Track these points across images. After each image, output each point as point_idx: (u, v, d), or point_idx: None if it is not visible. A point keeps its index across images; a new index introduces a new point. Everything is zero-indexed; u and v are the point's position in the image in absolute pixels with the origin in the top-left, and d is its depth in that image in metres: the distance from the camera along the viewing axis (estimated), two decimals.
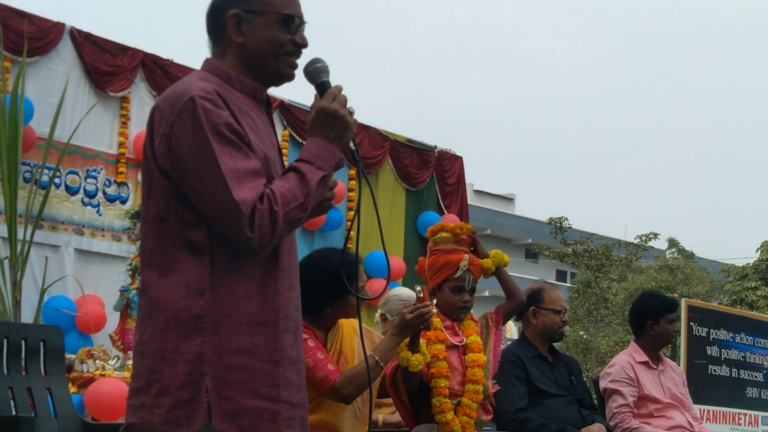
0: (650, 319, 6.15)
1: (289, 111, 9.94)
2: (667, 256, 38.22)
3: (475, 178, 50.89)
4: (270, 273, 2.62)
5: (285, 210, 2.53)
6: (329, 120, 2.68)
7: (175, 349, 2.52)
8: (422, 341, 4.27)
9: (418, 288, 4.35)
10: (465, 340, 4.51)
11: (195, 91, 2.57)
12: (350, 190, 10.57)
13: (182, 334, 2.52)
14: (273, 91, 2.92)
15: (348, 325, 4.62)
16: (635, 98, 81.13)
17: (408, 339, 4.20)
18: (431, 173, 11.69)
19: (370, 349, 4.45)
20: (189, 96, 2.55)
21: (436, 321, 4.49)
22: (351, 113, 2.72)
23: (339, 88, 2.73)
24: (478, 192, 45.51)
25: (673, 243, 41.52)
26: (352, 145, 2.75)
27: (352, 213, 10.52)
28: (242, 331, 2.56)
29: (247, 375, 2.55)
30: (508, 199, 49.32)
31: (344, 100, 2.71)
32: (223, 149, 2.51)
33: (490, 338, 4.64)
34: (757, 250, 29.49)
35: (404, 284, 9.16)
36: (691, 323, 10.36)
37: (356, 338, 4.57)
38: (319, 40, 2.84)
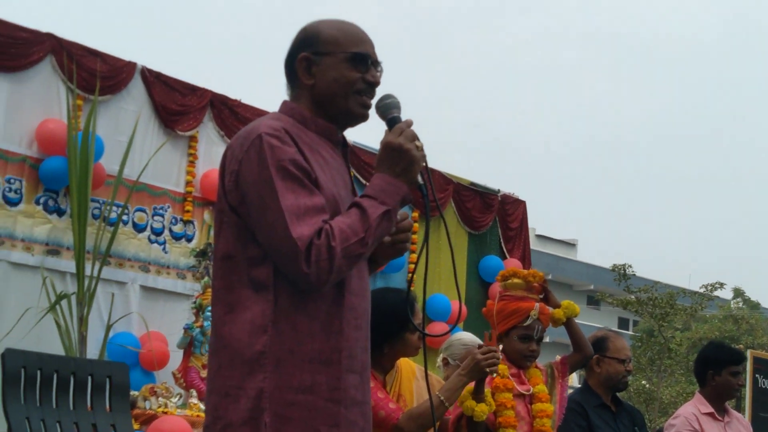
0: (712, 369, 6.05)
1: (354, 153, 9.99)
2: (732, 305, 37.61)
3: (537, 222, 50.74)
4: (335, 312, 2.62)
5: (344, 246, 2.53)
6: (395, 154, 2.67)
7: (239, 386, 2.54)
8: (487, 390, 4.24)
9: (486, 333, 4.33)
10: (532, 389, 4.47)
11: (264, 129, 2.61)
12: (413, 233, 10.58)
13: (245, 371, 2.54)
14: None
15: (407, 368, 4.59)
16: (700, 143, 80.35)
17: (473, 388, 4.17)
18: (494, 217, 11.67)
19: (432, 391, 4.42)
20: (258, 133, 2.60)
21: (503, 368, 4.45)
22: (419, 147, 2.69)
23: (408, 123, 2.72)
24: (540, 237, 45.29)
25: (738, 293, 40.85)
26: (420, 179, 2.73)
27: (414, 255, 10.52)
28: (304, 368, 2.56)
29: (307, 412, 2.55)
30: (571, 245, 49.00)
31: (411, 135, 2.69)
32: (285, 185, 2.54)
33: (556, 388, 4.59)
34: None
35: (465, 328, 9.12)
36: (756, 375, 10.19)
37: (415, 381, 4.54)
38: (387, 80, 2.85)
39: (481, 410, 4.15)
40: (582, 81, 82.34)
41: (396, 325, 4.11)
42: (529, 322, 4.49)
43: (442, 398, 4.07)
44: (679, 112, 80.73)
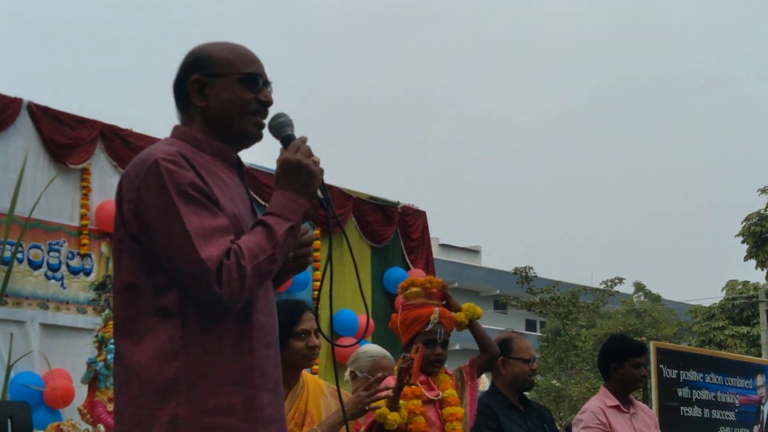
0: (614, 362, 6.17)
1: (250, 174, 9.96)
2: (634, 300, 38.41)
3: (440, 232, 51.07)
4: (244, 331, 2.62)
5: (253, 264, 2.53)
6: (293, 170, 2.69)
7: (151, 414, 2.52)
8: (402, 402, 4.28)
9: (416, 345, 4.41)
10: (441, 394, 4.52)
11: (159, 154, 2.59)
12: (315, 249, 10.58)
13: (157, 399, 2.52)
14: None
15: (314, 385, 4.59)
16: (596, 147, 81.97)
17: (391, 397, 4.22)
18: (395, 229, 11.74)
19: (338, 407, 4.44)
20: (153, 159, 2.58)
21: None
22: (316, 162, 2.72)
23: (303, 139, 2.74)
24: (444, 246, 45.65)
25: (639, 287, 41.76)
26: (320, 193, 2.75)
27: (318, 273, 10.52)
28: (218, 391, 2.55)
29: None
30: (474, 252, 49.50)
31: (308, 151, 2.72)
32: (188, 208, 2.53)
33: (466, 391, 4.65)
34: (722, 290, 29.74)
35: (374, 341, 9.14)
36: (660, 366, 10.41)
37: (323, 398, 4.54)
38: (281, 99, 2.87)
39: (393, 419, 4.20)
40: (478, 88, 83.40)
41: (280, 331, 4.12)
42: (430, 326, 4.55)
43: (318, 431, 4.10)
44: (575, 113, 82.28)
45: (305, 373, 4.66)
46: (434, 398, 4.50)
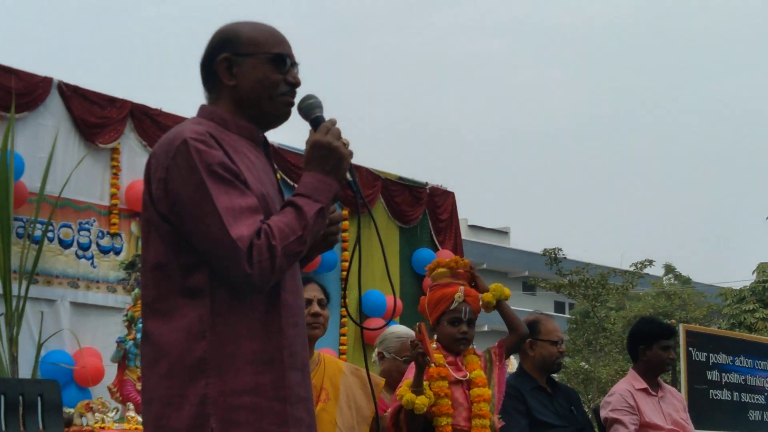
0: (643, 345, 6.14)
1: (279, 155, 9.97)
2: (664, 282, 38.22)
3: (469, 213, 51.02)
4: (272, 311, 2.62)
5: (283, 244, 2.53)
6: (324, 152, 2.69)
7: (181, 394, 2.53)
8: (426, 382, 4.27)
9: (417, 325, 4.36)
10: (469, 374, 4.50)
11: (188, 134, 2.59)
12: (343, 230, 10.59)
13: (186, 378, 2.53)
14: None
15: (332, 364, 4.63)
16: (626, 128, 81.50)
17: (411, 381, 4.22)
18: (423, 210, 11.72)
19: (359, 387, 4.47)
20: (182, 139, 2.58)
21: (439, 357, 4.49)
22: (346, 145, 2.72)
23: (333, 122, 2.74)
24: (472, 227, 45.58)
25: (669, 269, 41.52)
26: (349, 176, 2.75)
27: (347, 253, 10.52)
28: (247, 371, 2.56)
29: (254, 414, 2.54)
30: (503, 233, 49.39)
31: (338, 133, 2.72)
32: (218, 188, 2.53)
33: (494, 372, 4.61)
34: (753, 272, 29.50)
35: (402, 322, 9.15)
36: (690, 348, 10.36)
37: (342, 377, 4.58)
38: (309, 79, 2.86)
39: (422, 402, 4.19)
40: (507, 70, 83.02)
41: None
42: (455, 305, 4.54)
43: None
44: (603, 96, 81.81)
45: (323, 353, 4.70)
46: (462, 378, 4.49)
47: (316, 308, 4.51)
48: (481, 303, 4.65)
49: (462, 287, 4.58)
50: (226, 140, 2.66)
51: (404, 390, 4.24)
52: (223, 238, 2.49)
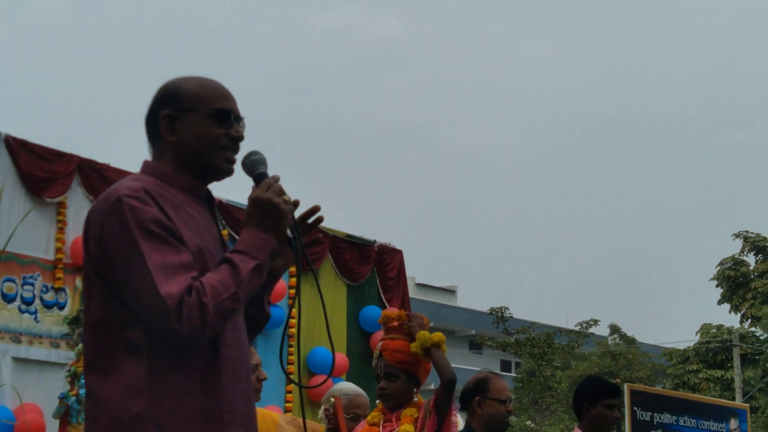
0: (587, 403, 6.16)
1: (227, 211, 9.96)
2: (609, 342, 38.45)
3: (416, 271, 51.05)
4: (212, 367, 2.61)
5: (215, 301, 2.52)
6: (263, 209, 2.69)
7: None
8: None
9: (332, 400, 4.38)
10: (397, 429, 4.47)
11: (123, 190, 2.59)
12: (291, 287, 10.57)
13: None
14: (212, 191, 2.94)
15: (266, 418, 4.61)
16: (573, 189, 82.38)
17: None
18: (371, 268, 11.75)
19: None
20: (117, 196, 2.58)
21: (375, 415, 4.49)
22: (287, 202, 2.72)
23: (275, 178, 2.74)
24: (420, 285, 45.63)
25: (614, 329, 41.77)
26: (289, 232, 2.76)
27: (295, 310, 10.49)
28: (185, 428, 2.54)
29: None
30: (450, 291, 49.50)
31: (279, 189, 2.72)
32: (150, 245, 2.53)
33: (427, 424, 4.55)
34: (696, 333, 29.83)
35: (349, 380, 9.13)
36: (634, 408, 10.43)
37: (277, 429, 4.56)
38: (256, 138, 2.87)
39: None
40: (455, 129, 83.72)
41: None
42: (374, 362, 4.55)
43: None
44: (552, 155, 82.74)
45: (258, 409, 4.68)
46: None
47: (263, 374, 4.51)
48: (401, 354, 4.58)
49: (381, 342, 4.57)
50: (165, 196, 2.66)
51: None
52: (152, 296, 2.49)
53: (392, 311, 4.73)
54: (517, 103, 79.82)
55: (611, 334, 40.79)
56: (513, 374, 35.57)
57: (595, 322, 23.38)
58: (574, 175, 78.24)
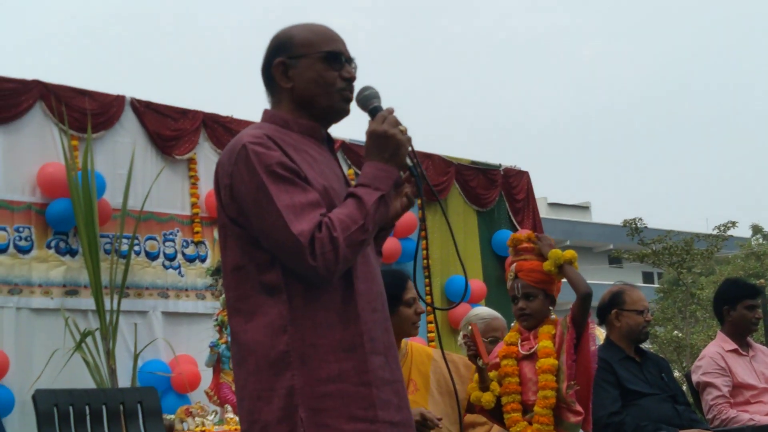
0: (727, 306, 6.11)
1: (351, 150, 10.06)
2: (752, 243, 37.51)
3: (548, 191, 50.64)
4: (348, 299, 2.71)
5: (345, 234, 2.62)
6: (381, 141, 2.77)
7: (269, 388, 2.63)
8: (492, 374, 4.31)
9: (469, 327, 4.42)
10: (536, 346, 4.48)
11: (246, 138, 2.71)
12: (420, 219, 10.64)
13: (273, 372, 2.63)
14: (334, 134, 3.03)
15: (419, 352, 4.67)
16: (702, 91, 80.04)
17: (478, 378, 4.27)
18: (499, 192, 11.72)
19: (455, 373, 4.51)
20: (241, 144, 2.70)
21: (513, 335, 4.53)
22: (403, 131, 2.79)
23: (390, 110, 2.82)
24: (552, 205, 45.26)
25: (757, 229, 40.72)
26: (408, 161, 2.82)
27: (424, 242, 10.56)
28: (330, 359, 2.65)
29: (341, 400, 2.63)
30: (584, 208, 48.95)
31: (394, 120, 2.79)
32: (278, 187, 2.63)
33: (565, 339, 4.54)
34: None
35: (487, 305, 9.19)
36: None
37: (432, 363, 4.62)
38: (375, 71, 2.94)
39: (488, 399, 4.25)
40: (573, 45, 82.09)
41: (390, 300, 4.22)
42: (509, 283, 4.56)
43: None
44: (678, 60, 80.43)
45: (411, 342, 4.76)
46: (528, 353, 4.48)
47: (421, 307, 4.60)
48: (537, 273, 4.57)
49: (514, 263, 4.57)
50: (287, 140, 2.75)
51: (472, 388, 4.30)
52: (285, 235, 2.59)
53: (521, 233, 4.74)
54: (635, 9, 77.67)
55: (753, 234, 39.80)
56: (656, 285, 35.12)
57: (733, 224, 22.79)
58: (700, 79, 76.00)
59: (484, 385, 4.26)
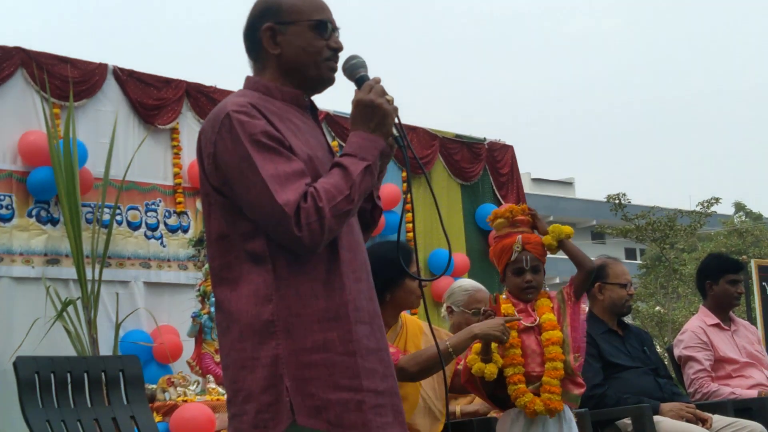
0: (710, 280, 6.12)
1: (335, 122, 10.03)
2: (735, 220, 37.71)
3: (532, 166, 50.77)
4: (333, 269, 2.70)
5: (330, 205, 2.60)
6: (368, 111, 2.75)
7: (253, 356, 2.62)
8: (494, 345, 4.28)
9: (491, 296, 4.42)
10: (539, 319, 4.49)
11: (230, 107, 2.68)
12: (404, 192, 10.62)
13: (257, 341, 2.62)
14: (317, 104, 3.00)
15: (413, 325, 4.67)
16: (686, 67, 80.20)
17: (480, 348, 4.25)
18: (483, 166, 11.71)
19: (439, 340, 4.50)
20: (225, 113, 2.67)
21: (508, 306, 4.50)
22: (390, 101, 2.76)
23: (376, 80, 2.80)
24: (536, 180, 45.35)
25: (740, 207, 40.97)
26: (395, 131, 2.80)
27: (409, 215, 10.56)
28: (314, 329, 2.64)
29: (326, 369, 2.62)
30: (568, 184, 49.08)
31: (381, 90, 2.77)
32: (263, 156, 2.61)
33: (567, 312, 4.56)
34: None
35: (470, 278, 9.18)
36: (763, 283, 10.29)
37: (423, 336, 4.62)
38: (359, 42, 2.91)
39: (491, 371, 4.23)
40: (559, 20, 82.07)
41: (395, 272, 4.21)
42: (515, 255, 4.52)
43: (449, 347, 4.16)
44: (662, 36, 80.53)
45: (405, 314, 4.75)
46: (531, 325, 4.48)
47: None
48: (542, 247, 4.60)
49: (520, 236, 4.56)
50: (270, 108, 2.73)
51: (473, 359, 4.27)
52: (270, 205, 2.57)
53: (511, 206, 4.73)
54: None
55: (736, 212, 40.02)
56: (639, 261, 35.28)
57: (716, 200, 22.91)
58: (685, 54, 76.10)
59: (486, 357, 4.24)
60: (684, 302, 24.13)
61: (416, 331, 4.68)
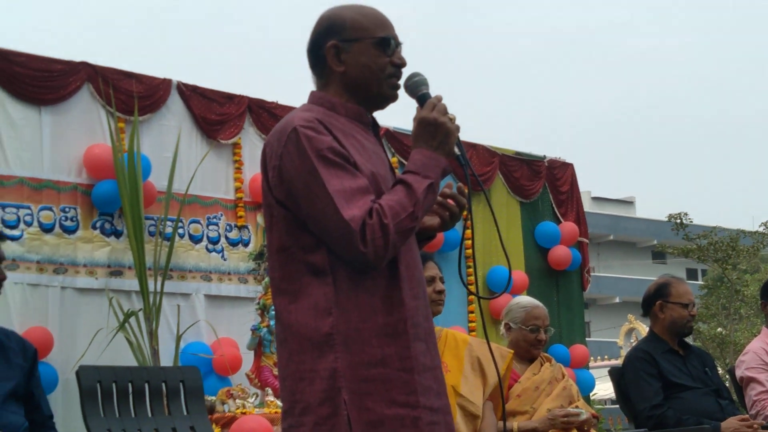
0: None
1: (395, 138, 10.04)
2: None
3: (592, 185, 50.42)
4: (393, 285, 2.70)
5: (395, 221, 2.61)
6: (430, 129, 2.76)
7: (312, 369, 2.63)
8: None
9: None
10: None
11: (297, 121, 2.70)
12: (466, 209, 10.57)
13: (316, 354, 2.63)
14: (378, 120, 3.02)
15: (454, 338, 4.71)
16: (749, 87, 79.22)
17: None
18: (543, 183, 11.66)
19: (487, 357, 4.57)
20: (293, 127, 2.69)
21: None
22: (452, 119, 2.78)
23: (438, 98, 2.81)
24: (596, 198, 45.01)
25: None
26: (456, 150, 2.81)
27: (469, 231, 10.53)
28: (373, 343, 2.65)
29: (382, 385, 2.63)
30: (628, 202, 48.64)
31: (443, 108, 2.78)
32: (329, 172, 2.63)
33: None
34: None
35: (528, 295, 9.14)
36: None
37: (467, 349, 4.66)
38: (421, 60, 2.93)
39: None
40: (622, 39, 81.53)
41: None
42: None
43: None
44: (728, 55, 79.68)
45: (448, 330, 4.80)
46: None
47: (440, 285, 4.61)
48: None
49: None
50: (335, 124, 2.75)
51: None
52: (336, 221, 2.58)
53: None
54: (686, 3, 76.95)
55: None
56: (700, 282, 34.85)
57: None
58: (748, 75, 75.16)
59: None
60: (746, 324, 23.80)
61: (458, 344, 4.72)
